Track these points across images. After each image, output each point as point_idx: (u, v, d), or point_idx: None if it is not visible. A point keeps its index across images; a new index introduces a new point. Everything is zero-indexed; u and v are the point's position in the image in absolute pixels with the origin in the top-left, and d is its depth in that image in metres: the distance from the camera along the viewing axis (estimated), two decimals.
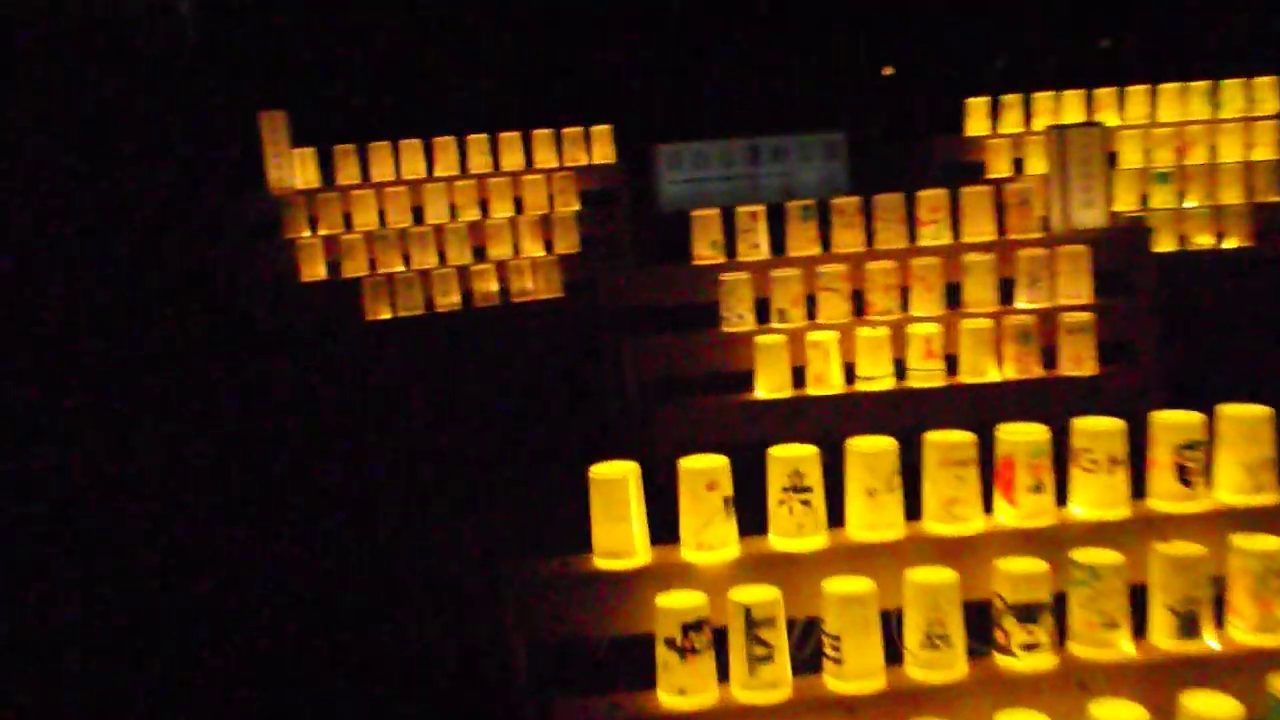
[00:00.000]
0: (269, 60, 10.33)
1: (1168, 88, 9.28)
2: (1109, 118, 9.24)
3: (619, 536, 3.26)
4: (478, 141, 9.14)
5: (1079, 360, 5.65)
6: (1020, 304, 5.95)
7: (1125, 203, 8.86)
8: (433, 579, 5.11)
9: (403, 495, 6.15)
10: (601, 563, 3.25)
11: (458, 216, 8.88)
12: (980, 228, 6.18)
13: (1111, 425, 3.23)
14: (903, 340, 5.71)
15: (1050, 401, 5.66)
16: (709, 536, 3.23)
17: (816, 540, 3.24)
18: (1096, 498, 3.22)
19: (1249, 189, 8.79)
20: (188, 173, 9.50)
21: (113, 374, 8.29)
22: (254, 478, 6.60)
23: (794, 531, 3.25)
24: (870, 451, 3.28)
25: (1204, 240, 8.59)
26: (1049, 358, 5.76)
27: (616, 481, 3.27)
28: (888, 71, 20.36)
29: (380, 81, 10.99)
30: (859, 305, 6.05)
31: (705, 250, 6.32)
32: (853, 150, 10.31)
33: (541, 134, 9.25)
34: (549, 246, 8.90)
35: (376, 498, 6.16)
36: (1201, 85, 9.25)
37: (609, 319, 6.41)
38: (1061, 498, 3.28)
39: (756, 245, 6.29)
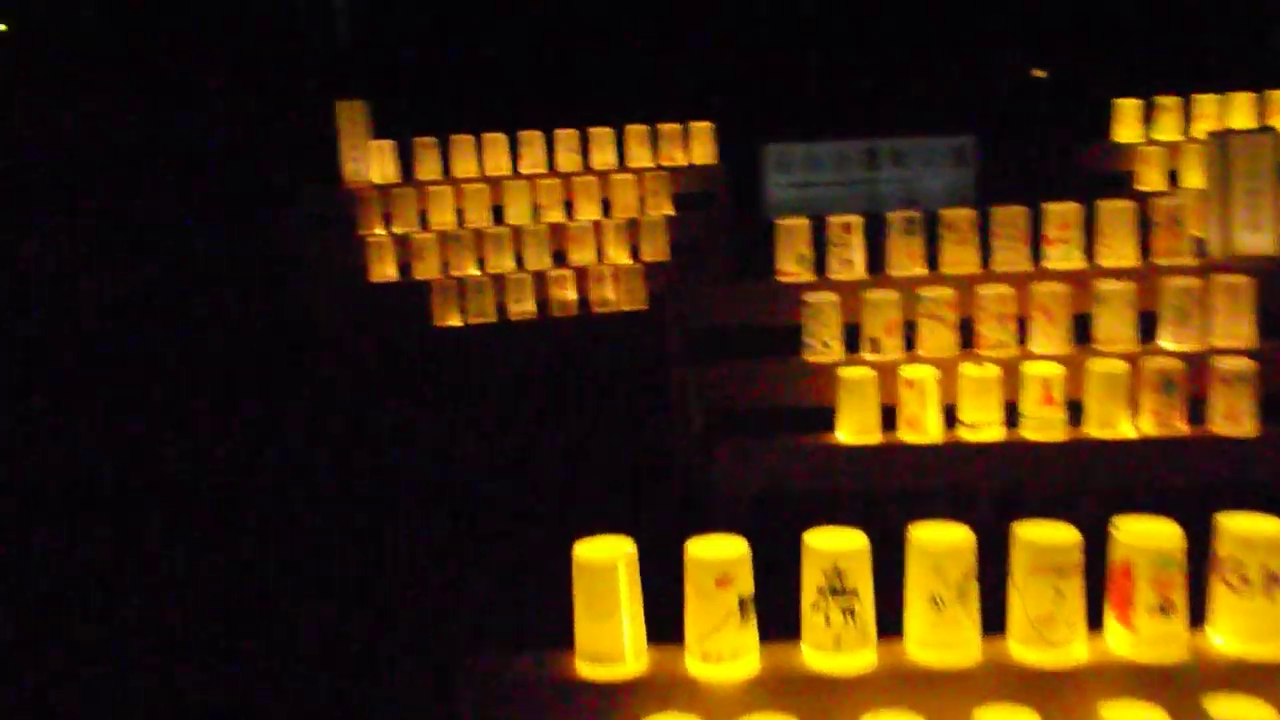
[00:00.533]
0: (351, 49, 9.85)
1: None
2: None
3: (605, 636, 2.52)
4: (566, 137, 8.44)
5: (1235, 417, 4.63)
6: (1165, 344, 4.95)
7: None
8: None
9: (420, 534, 5.46)
10: (583, 667, 2.52)
11: (540, 217, 8.20)
12: (1120, 250, 5.20)
13: (1273, 531, 2.35)
14: (1017, 381, 4.79)
15: (1195, 466, 4.69)
16: (718, 644, 2.47)
17: (860, 659, 2.45)
18: (1246, 626, 2.34)
19: None
20: (263, 162, 9.06)
21: (160, 370, 7.89)
22: (285, 491, 6.03)
23: (830, 645, 2.47)
24: (939, 548, 2.45)
25: None
26: (1197, 412, 4.77)
27: (602, 568, 2.53)
28: (1038, 74, 19.03)
29: (469, 74, 10.40)
30: (968, 337, 5.14)
31: (790, 265, 5.48)
32: (984, 156, 9.27)
33: (635, 130, 8.51)
34: (636, 253, 8.15)
35: (397, 526, 5.49)
36: None
37: (678, 339, 5.62)
38: (1197, 618, 2.44)
39: (849, 262, 5.41)
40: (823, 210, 9.77)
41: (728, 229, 8.40)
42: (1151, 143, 8.21)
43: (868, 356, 5.13)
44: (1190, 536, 2.48)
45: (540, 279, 7.82)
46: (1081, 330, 5.05)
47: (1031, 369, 4.77)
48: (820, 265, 5.50)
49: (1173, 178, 8.09)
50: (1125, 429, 4.74)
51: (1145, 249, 5.25)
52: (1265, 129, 5.22)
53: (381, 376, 7.65)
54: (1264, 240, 5.14)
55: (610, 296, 7.78)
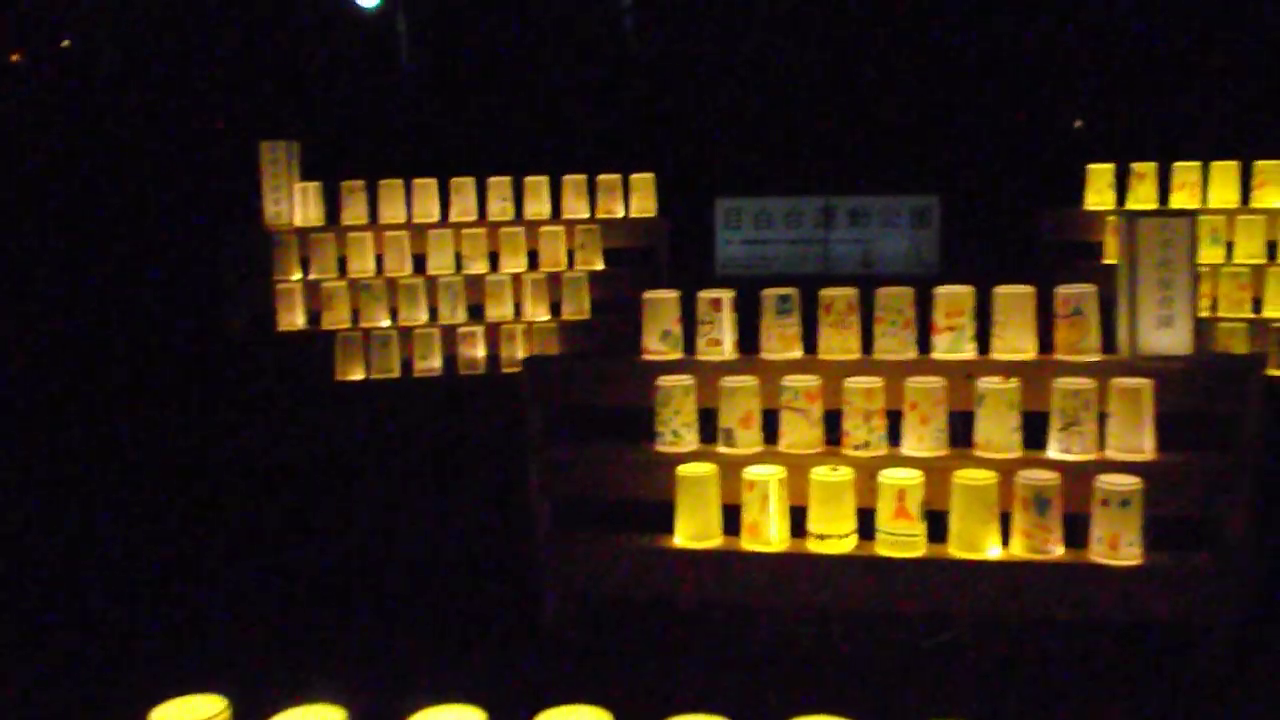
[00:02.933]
0: (282, 89, 9.50)
1: None
2: (1271, 196, 7.42)
3: None
4: (498, 185, 7.98)
5: (1115, 543, 4.03)
6: (1052, 454, 4.35)
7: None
8: None
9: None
10: None
11: (464, 267, 7.75)
12: (1015, 342, 4.59)
13: None
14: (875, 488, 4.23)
15: (1069, 596, 4.09)
16: None
17: None
18: None
19: None
20: (188, 205, 8.72)
21: (68, 409, 7.56)
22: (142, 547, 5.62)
23: None
24: None
25: None
26: (1080, 532, 4.17)
27: None
28: (1077, 124, 18.37)
29: (404, 117, 10.01)
30: (837, 433, 4.57)
31: (655, 343, 4.94)
32: (948, 218, 8.65)
33: (572, 179, 8.03)
34: (556, 309, 7.66)
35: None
36: None
37: (536, 418, 5.11)
38: None
39: (718, 342, 4.87)
40: (775, 269, 9.33)
41: (665, 287, 7.85)
42: (1122, 211, 7.58)
43: (721, 450, 4.59)
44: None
45: (450, 334, 7.35)
46: (966, 431, 4.48)
47: (886, 477, 4.21)
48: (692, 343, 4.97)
49: None
50: (992, 550, 4.16)
51: (1048, 343, 4.65)
52: (1181, 212, 4.59)
53: (279, 431, 7.24)
54: (1176, 338, 4.51)
55: (521, 356, 7.29)
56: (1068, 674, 4.17)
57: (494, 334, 7.40)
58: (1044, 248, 7.78)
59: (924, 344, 4.69)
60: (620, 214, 8.05)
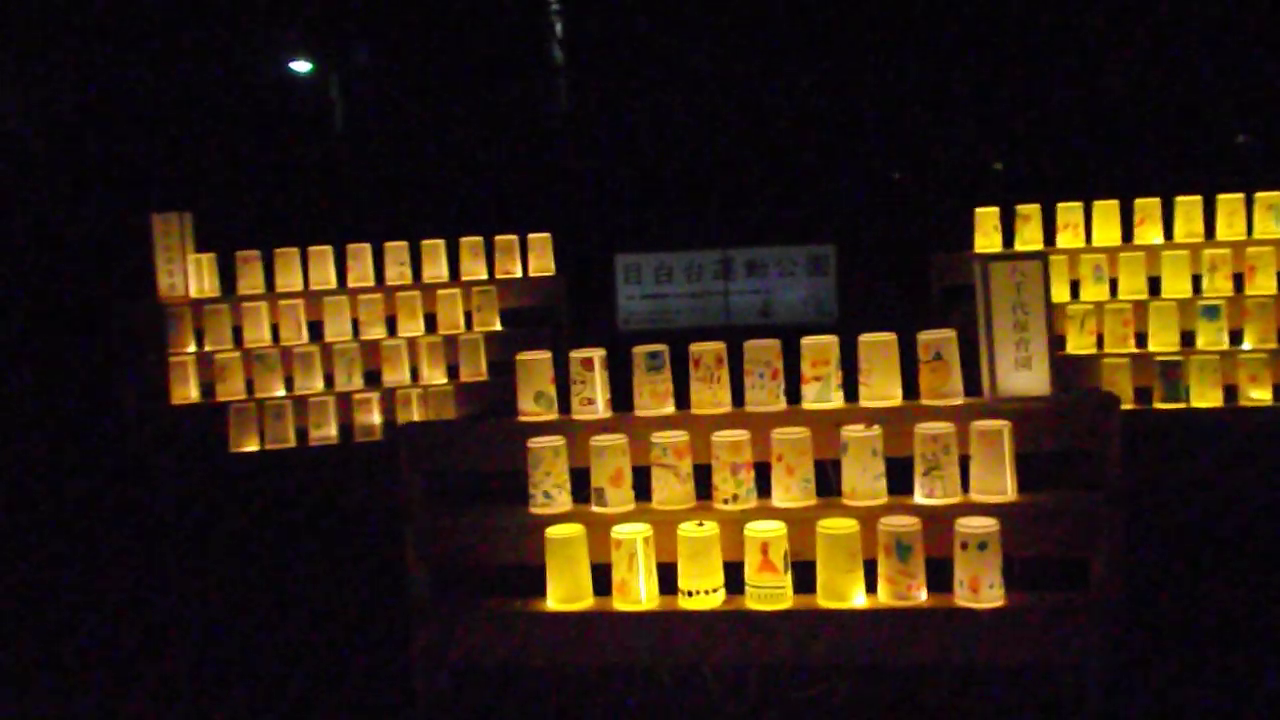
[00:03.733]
0: (175, 161, 9.47)
1: (1227, 199, 7.56)
2: (1150, 233, 7.59)
3: None
4: (395, 249, 7.98)
5: (976, 586, 4.06)
6: (917, 498, 4.38)
7: (1163, 342, 7.15)
8: None
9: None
10: None
11: (361, 333, 7.71)
12: (881, 389, 4.64)
13: None
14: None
15: (934, 641, 4.11)
16: None
17: None
18: None
19: None
20: (81, 279, 8.63)
21: None
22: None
23: None
24: None
25: (1260, 395, 6.80)
26: (946, 578, 4.20)
27: None
28: (896, 177, 18.63)
29: (300, 185, 10.01)
30: (709, 488, 4.58)
31: (530, 404, 4.94)
32: (844, 267, 8.75)
33: (469, 241, 8.04)
34: (455, 372, 7.64)
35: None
36: (1272, 196, 7.50)
37: (413, 485, 5.07)
38: None
39: (591, 401, 4.87)
40: (677, 322, 9.39)
41: (564, 346, 7.87)
42: (982, 256, 7.70)
43: (595, 510, 4.57)
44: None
45: (346, 401, 7.30)
46: (830, 481, 4.50)
47: (750, 530, 4.22)
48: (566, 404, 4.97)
49: None
50: (856, 598, 4.17)
51: (914, 387, 4.70)
52: (1035, 254, 4.66)
53: (171, 507, 7.13)
54: (1034, 379, 4.58)
55: (418, 420, 7.24)
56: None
57: (389, 399, 7.35)
58: (937, 292, 7.89)
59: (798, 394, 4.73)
60: (518, 274, 8.07)
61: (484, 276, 8.02)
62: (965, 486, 4.37)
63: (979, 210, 7.91)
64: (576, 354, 5.01)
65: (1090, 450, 4.57)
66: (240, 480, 7.09)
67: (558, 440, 4.65)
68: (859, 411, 4.61)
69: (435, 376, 7.55)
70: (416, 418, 7.23)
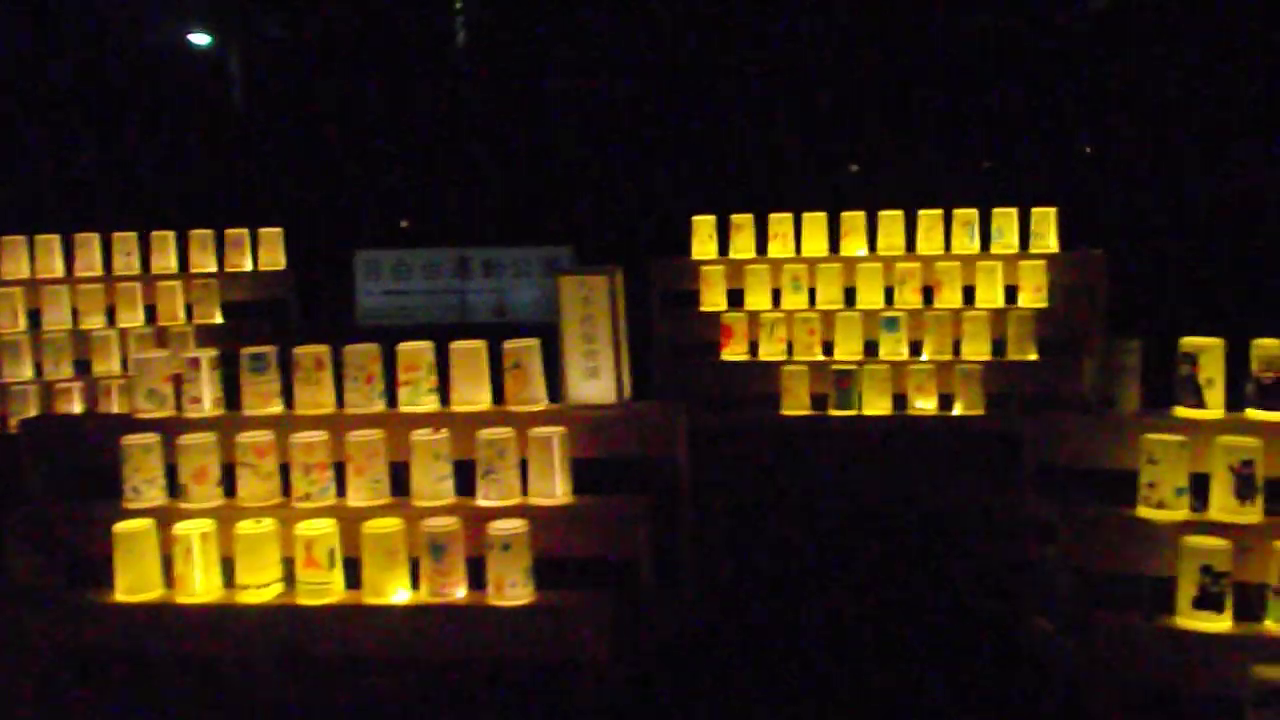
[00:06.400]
0: None
1: (926, 214, 7.92)
2: (855, 245, 7.93)
3: None
4: (123, 240, 8.03)
5: (501, 585, 4.30)
6: (479, 500, 4.62)
7: (848, 351, 7.50)
8: None
9: None
10: None
11: (81, 323, 7.76)
12: (469, 394, 4.88)
13: None
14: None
15: (467, 637, 4.35)
16: None
17: None
18: None
19: (1004, 343, 7.41)
20: None
21: None
22: None
23: None
24: None
25: (925, 404, 7.17)
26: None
27: None
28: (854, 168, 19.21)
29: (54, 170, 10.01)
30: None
31: (142, 401, 5.09)
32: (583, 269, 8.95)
33: (199, 234, 8.12)
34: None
35: None
36: (968, 213, 7.88)
37: (41, 477, 5.19)
38: None
39: (197, 399, 5.03)
40: (415, 319, 9.58)
41: (291, 340, 7.99)
42: (721, 261, 8.01)
43: (181, 505, 4.74)
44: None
45: (48, 390, 7.36)
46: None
47: (298, 529, 4.42)
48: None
49: (735, 297, 7.90)
50: (399, 594, 4.39)
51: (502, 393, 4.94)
52: (602, 268, 4.92)
53: None
54: (602, 388, 4.84)
55: (116, 410, 7.33)
56: (466, 714, 4.41)
57: (93, 389, 7.41)
58: (655, 296, 8.15)
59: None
60: (248, 268, 8.17)
61: (213, 269, 8.11)
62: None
63: (695, 218, 8.18)
64: (185, 354, 5.19)
65: (657, 457, 4.86)
66: None
67: (149, 438, 4.82)
68: (451, 415, 4.84)
69: None
70: (116, 408, 7.30)
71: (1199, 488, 4.26)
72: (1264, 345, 4.38)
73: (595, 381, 4.83)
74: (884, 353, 7.44)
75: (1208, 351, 4.40)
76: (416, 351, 4.91)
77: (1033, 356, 7.32)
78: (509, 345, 4.87)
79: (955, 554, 5.83)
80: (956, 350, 7.41)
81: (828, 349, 7.58)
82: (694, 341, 7.94)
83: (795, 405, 7.27)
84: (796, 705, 4.51)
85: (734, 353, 7.66)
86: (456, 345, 4.91)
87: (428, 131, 10.74)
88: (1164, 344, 4.61)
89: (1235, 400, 4.44)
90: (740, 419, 7.44)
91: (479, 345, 4.90)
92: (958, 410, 7.11)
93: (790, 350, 7.60)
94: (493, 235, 9.15)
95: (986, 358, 7.33)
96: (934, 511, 6.41)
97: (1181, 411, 4.44)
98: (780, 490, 6.86)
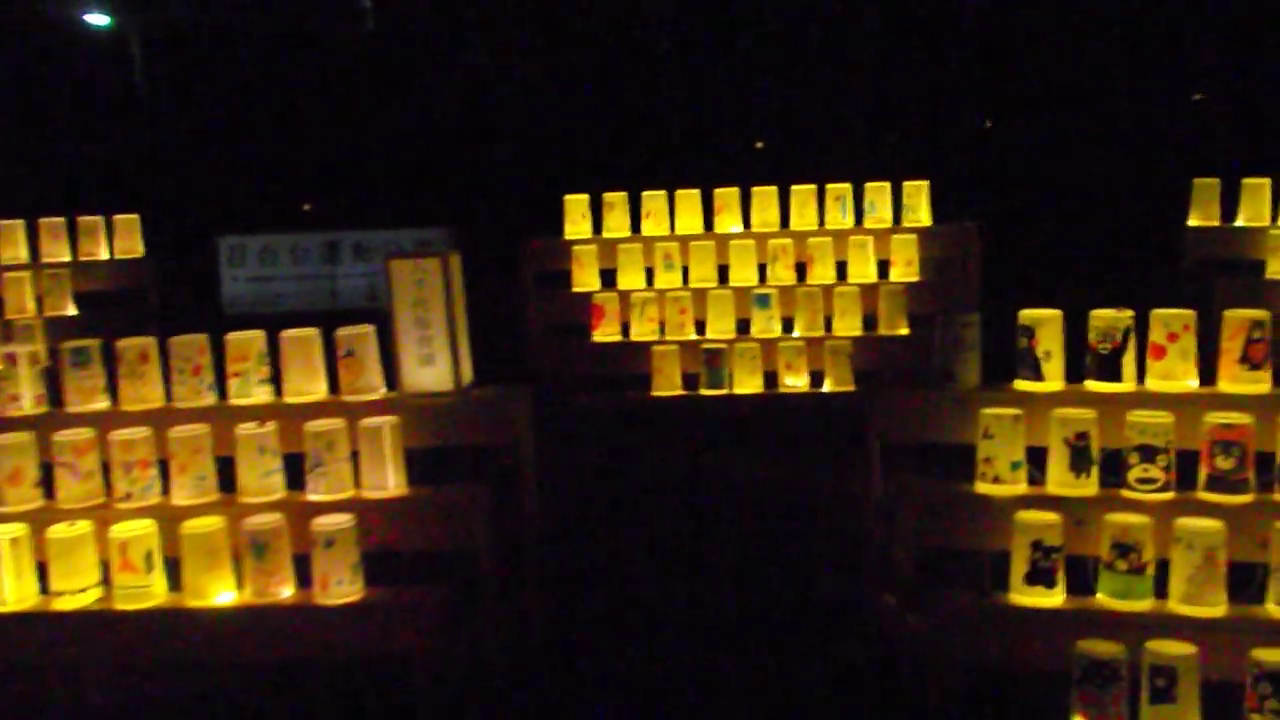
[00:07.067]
0: None
1: (799, 189, 7.86)
2: (729, 222, 7.85)
3: None
4: None
5: (326, 582, 4.15)
6: (311, 494, 4.45)
7: (720, 330, 7.42)
8: None
9: None
10: None
11: None
12: (301, 384, 4.69)
13: None
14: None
15: (294, 637, 4.18)
16: None
17: None
18: None
19: (875, 318, 7.38)
20: None
21: None
22: None
23: None
24: None
25: (795, 381, 7.12)
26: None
27: None
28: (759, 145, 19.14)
29: None
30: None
31: None
32: (460, 251, 8.74)
33: (49, 223, 7.80)
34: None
35: None
36: (841, 188, 7.83)
37: None
38: None
39: (16, 397, 4.79)
40: (283, 306, 9.33)
41: (153, 330, 7.72)
42: (595, 240, 7.89)
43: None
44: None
45: None
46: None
47: (114, 531, 4.21)
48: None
49: (608, 278, 7.79)
50: (222, 597, 4.21)
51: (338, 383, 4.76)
52: (435, 252, 4.76)
53: None
54: (437, 375, 4.69)
55: None
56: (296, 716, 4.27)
57: None
58: (531, 278, 8.00)
59: None
60: (104, 256, 7.87)
61: (66, 259, 7.80)
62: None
63: (568, 197, 8.05)
64: (2, 349, 4.94)
65: (499, 445, 4.73)
66: None
67: None
68: (285, 408, 4.66)
69: None
70: None
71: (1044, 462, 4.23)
72: (1101, 316, 4.34)
73: (430, 368, 4.67)
74: (756, 330, 7.38)
75: (1045, 324, 4.37)
76: (245, 341, 4.72)
77: (904, 331, 7.31)
78: (341, 333, 4.70)
79: (816, 532, 5.77)
80: (829, 327, 7.37)
81: (700, 328, 7.50)
82: (568, 323, 7.81)
83: (666, 386, 7.18)
84: (643, 692, 4.42)
85: (605, 334, 7.55)
86: (287, 334, 4.72)
87: (312, 113, 10.45)
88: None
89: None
90: (611, 401, 7.34)
91: (311, 333, 4.72)
92: (828, 387, 7.07)
93: (662, 330, 7.51)
94: (366, 219, 8.89)
95: (858, 333, 7.30)
96: (798, 490, 6.35)
97: (1021, 385, 4.40)
98: (649, 473, 6.76)
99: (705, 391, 7.14)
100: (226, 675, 4.41)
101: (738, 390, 7.12)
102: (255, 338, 4.74)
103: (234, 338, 4.73)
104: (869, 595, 4.68)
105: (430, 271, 4.63)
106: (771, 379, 7.17)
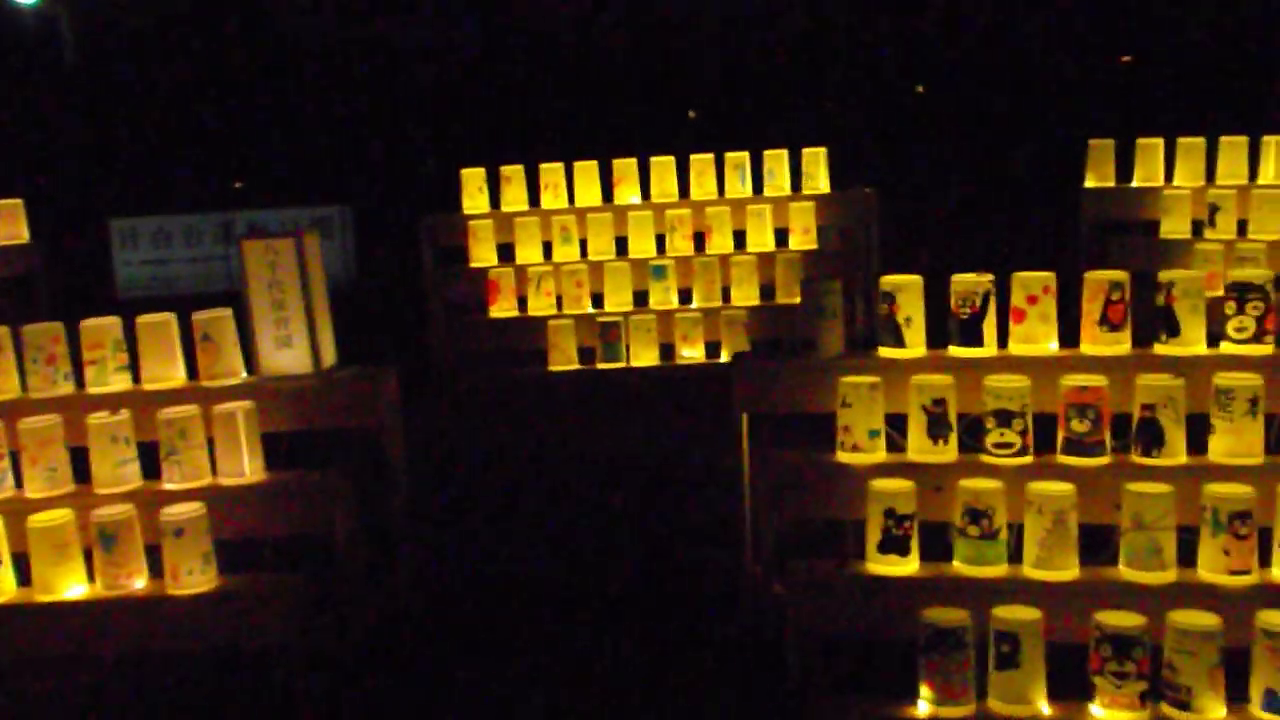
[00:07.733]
0: None
1: (698, 159, 7.80)
2: (628, 193, 7.78)
3: None
4: None
5: (176, 573, 4.06)
6: (166, 483, 4.35)
7: (618, 303, 7.37)
8: None
9: None
10: None
11: None
12: (159, 370, 4.59)
13: None
14: None
15: (149, 629, 4.10)
16: None
17: None
18: None
19: (772, 287, 7.36)
20: None
21: None
22: None
23: None
24: None
25: (692, 352, 7.09)
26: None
27: None
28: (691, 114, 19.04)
29: None
30: None
31: None
32: (362, 228, 8.69)
33: None
34: None
35: None
36: (739, 156, 7.77)
37: None
38: None
39: None
40: (178, 289, 9.18)
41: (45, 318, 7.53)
42: (492, 215, 7.80)
43: None
44: None
45: None
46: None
47: None
48: None
49: (505, 252, 7.70)
50: (72, 590, 4.11)
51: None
52: (289, 234, 4.64)
53: None
54: (295, 358, 4.60)
55: None
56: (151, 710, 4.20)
57: None
58: (431, 254, 7.90)
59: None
60: None
61: None
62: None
63: (464, 171, 7.94)
64: None
65: (367, 427, 4.65)
66: None
67: None
68: (153, 394, 4.55)
69: None
70: None
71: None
72: (961, 280, 4.32)
73: (288, 351, 4.58)
74: (653, 302, 7.33)
75: (905, 289, 4.34)
76: (100, 328, 4.61)
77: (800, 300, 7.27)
78: (197, 317, 4.60)
79: (700, 506, 5.75)
80: (726, 297, 7.34)
81: (598, 301, 7.45)
82: (466, 299, 7.73)
83: (562, 360, 7.13)
84: (512, 672, 4.38)
85: (502, 309, 7.47)
86: (143, 319, 4.61)
87: (210, 91, 10.25)
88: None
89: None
90: (507, 377, 7.28)
91: (167, 318, 4.61)
92: (724, 358, 7.04)
93: (560, 304, 7.44)
94: (261, 198, 8.74)
95: (755, 303, 7.27)
96: (688, 463, 6.33)
97: (883, 352, 4.38)
98: (542, 450, 6.71)
99: (601, 365, 7.09)
100: (82, 670, 4.31)
101: (634, 363, 7.08)
102: (111, 324, 4.62)
103: (88, 325, 4.61)
104: (741, 568, 4.67)
105: (283, 252, 4.54)
106: (669, 351, 7.14)
